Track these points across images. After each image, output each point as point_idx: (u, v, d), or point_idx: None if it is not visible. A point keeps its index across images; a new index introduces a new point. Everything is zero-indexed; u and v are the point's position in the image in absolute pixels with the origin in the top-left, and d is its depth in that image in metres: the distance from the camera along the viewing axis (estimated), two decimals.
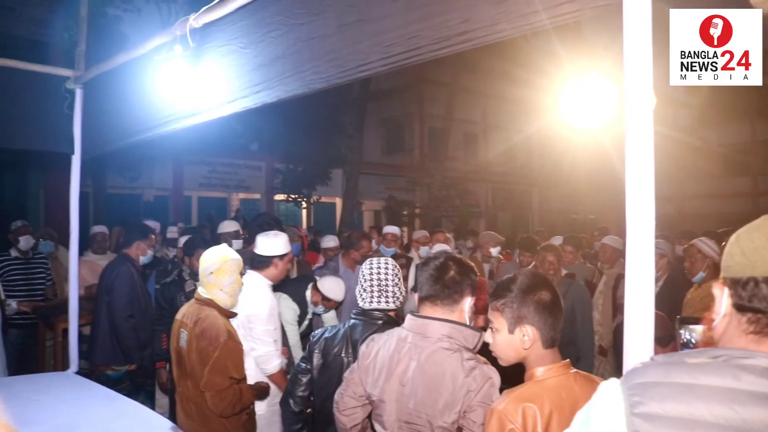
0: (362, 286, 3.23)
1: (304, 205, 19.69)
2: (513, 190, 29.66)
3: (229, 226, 6.74)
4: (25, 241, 7.05)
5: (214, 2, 2.93)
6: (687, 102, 39.57)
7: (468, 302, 2.55)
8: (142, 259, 5.73)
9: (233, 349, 3.47)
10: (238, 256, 3.70)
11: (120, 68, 3.98)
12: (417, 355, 2.47)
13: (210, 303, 3.56)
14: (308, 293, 5.08)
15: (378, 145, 26.28)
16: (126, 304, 5.38)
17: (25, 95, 4.49)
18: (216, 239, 6.32)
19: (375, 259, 3.29)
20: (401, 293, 3.25)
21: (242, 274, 3.75)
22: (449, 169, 23.08)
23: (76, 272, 4.68)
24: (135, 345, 5.39)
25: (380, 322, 3.15)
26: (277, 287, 4.51)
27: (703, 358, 1.27)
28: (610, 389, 1.35)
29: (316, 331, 3.39)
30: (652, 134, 1.57)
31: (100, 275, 5.69)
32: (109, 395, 3.87)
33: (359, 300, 3.24)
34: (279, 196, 20.58)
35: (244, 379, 3.60)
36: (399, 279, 3.25)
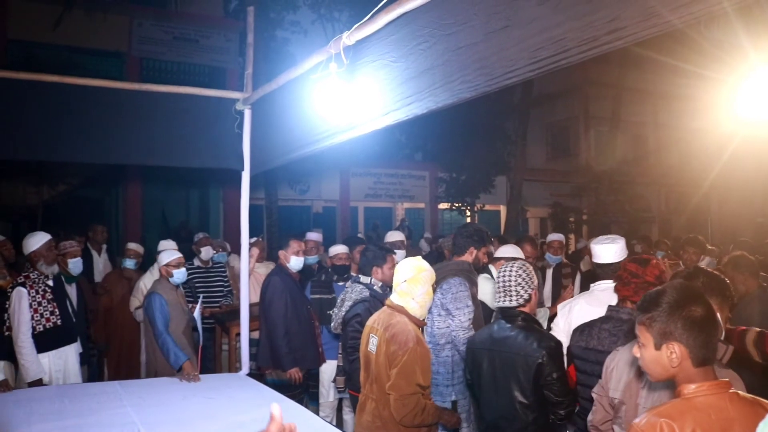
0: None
1: (468, 213, 19.67)
2: (687, 192, 27.88)
3: (394, 236, 6.89)
4: (205, 252, 7.63)
5: (366, 19, 3.02)
6: None
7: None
8: (291, 266, 5.88)
9: (421, 354, 3.56)
10: (431, 269, 3.81)
11: (282, 88, 4.20)
12: None
13: (401, 310, 3.69)
14: None
15: (542, 150, 25.78)
16: (275, 311, 5.60)
17: (199, 118, 4.88)
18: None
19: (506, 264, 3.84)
20: (526, 293, 3.68)
21: (434, 287, 3.86)
22: (617, 173, 22.13)
23: (247, 280, 4.98)
24: (286, 352, 5.55)
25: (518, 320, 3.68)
26: None
27: None
28: None
29: None
30: None
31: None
32: (275, 397, 4.08)
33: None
34: (443, 205, 20.74)
35: (428, 388, 3.67)
36: (523, 279, 3.70)
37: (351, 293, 4.97)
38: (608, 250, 4.08)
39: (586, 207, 22.31)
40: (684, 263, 7.39)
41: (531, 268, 3.85)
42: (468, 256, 4.87)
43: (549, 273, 7.40)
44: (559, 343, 3.60)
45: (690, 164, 28.51)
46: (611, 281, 3.76)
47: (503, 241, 7.17)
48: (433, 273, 3.81)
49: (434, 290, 3.90)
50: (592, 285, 4.17)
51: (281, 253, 5.85)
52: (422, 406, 3.49)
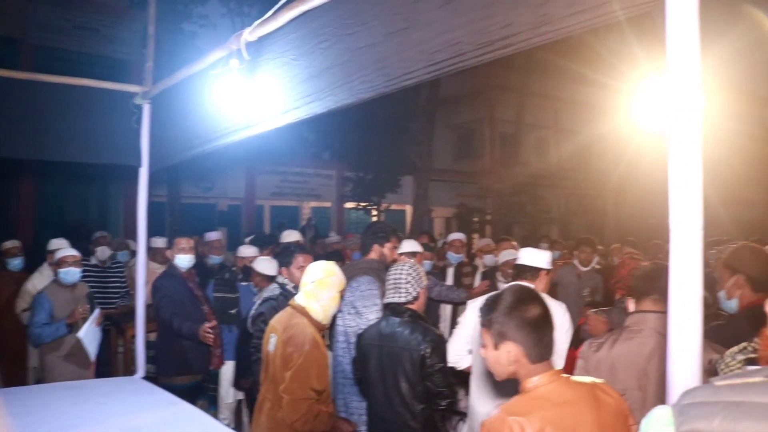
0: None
1: (374, 212, 19.78)
2: (586, 195, 29.04)
3: (291, 235, 6.85)
4: (101, 251, 7.34)
5: (268, 16, 2.97)
6: None
7: None
8: (178, 264, 5.75)
9: (318, 358, 3.52)
10: (342, 276, 3.81)
11: (183, 83, 4.09)
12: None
13: (303, 311, 3.64)
14: None
15: (448, 151, 26.21)
16: (162, 313, 5.50)
17: (96, 111, 4.68)
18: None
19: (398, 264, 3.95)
20: (415, 291, 3.77)
21: (342, 294, 3.84)
22: (520, 175, 22.78)
23: (144, 281, 4.82)
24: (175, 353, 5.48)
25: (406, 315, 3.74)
26: None
27: (759, 377, 1.26)
28: (660, 413, 1.36)
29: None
30: (701, 136, 1.50)
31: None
32: (171, 400, 3.97)
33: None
34: (349, 204, 20.78)
35: (326, 392, 3.65)
36: (413, 278, 3.79)
37: (265, 291, 4.99)
38: (539, 255, 4.16)
39: (490, 208, 22.85)
40: (580, 262, 7.69)
41: (422, 269, 4.02)
42: (373, 254, 4.89)
43: (450, 271, 7.52)
44: (442, 337, 3.72)
45: (589, 168, 29.72)
46: (529, 284, 3.80)
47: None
48: (344, 279, 3.81)
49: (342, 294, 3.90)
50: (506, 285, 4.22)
51: (168, 252, 5.74)
52: (315, 412, 3.46)
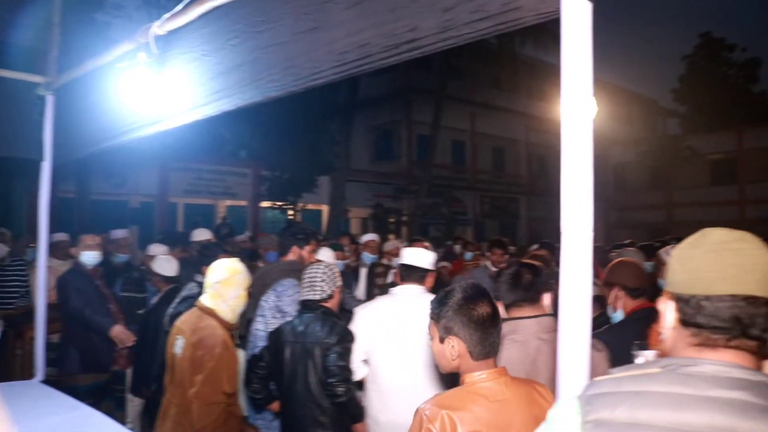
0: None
1: (291, 212, 19.66)
2: (500, 197, 29.76)
3: (201, 234, 6.74)
4: None
5: (178, 9, 2.92)
6: (676, 110, 40.05)
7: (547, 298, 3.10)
8: (83, 261, 5.61)
9: (229, 361, 3.48)
10: (246, 272, 3.76)
11: (90, 75, 3.96)
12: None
13: (211, 312, 3.57)
14: None
15: (366, 152, 26.34)
16: (67, 311, 5.36)
17: None
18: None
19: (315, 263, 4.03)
20: (330, 289, 3.85)
21: (249, 291, 3.80)
22: (437, 177, 23.11)
23: (45, 279, 4.64)
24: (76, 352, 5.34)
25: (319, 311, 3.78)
26: None
27: (655, 368, 1.34)
28: (566, 404, 1.41)
29: None
30: (591, 142, 1.56)
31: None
32: (72, 404, 3.83)
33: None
34: (265, 203, 20.56)
35: (236, 395, 3.59)
36: (328, 277, 3.87)
37: (185, 290, 4.90)
38: (424, 256, 4.04)
39: (406, 209, 23.08)
40: (492, 264, 7.86)
41: (337, 269, 4.05)
42: (292, 255, 4.87)
43: (363, 272, 7.57)
44: (351, 332, 3.75)
45: (504, 171, 30.47)
46: (417, 285, 3.87)
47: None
48: (248, 276, 3.78)
49: (250, 293, 3.86)
50: (395, 289, 4.04)
51: (72, 249, 5.57)
52: (224, 417, 3.42)
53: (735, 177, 31.77)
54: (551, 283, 2.83)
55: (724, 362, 1.30)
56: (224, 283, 3.60)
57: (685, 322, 1.36)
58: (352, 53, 2.20)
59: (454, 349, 2.20)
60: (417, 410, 2.13)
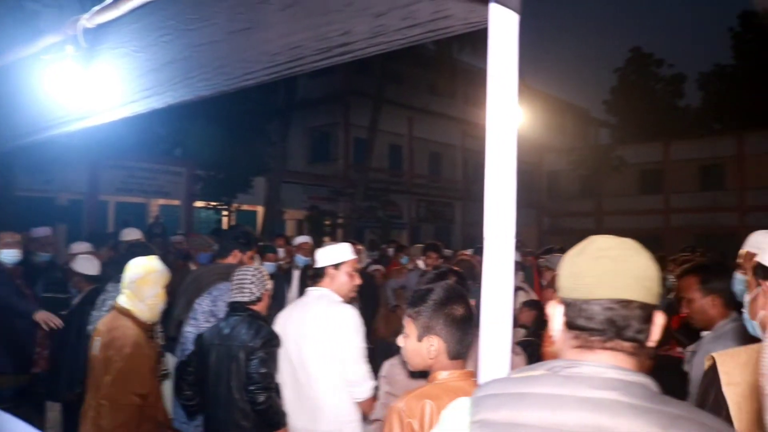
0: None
1: (225, 212, 19.39)
2: (436, 202, 30.02)
3: (131, 233, 6.60)
4: None
5: (108, 2, 2.85)
6: (608, 121, 41.21)
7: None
8: (2, 258, 5.44)
9: (140, 361, 3.40)
10: (163, 270, 3.68)
11: (12, 66, 3.82)
12: None
13: (127, 312, 3.50)
14: None
15: (302, 154, 26.21)
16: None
17: None
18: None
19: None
20: (259, 292, 3.82)
21: (168, 289, 3.72)
22: (373, 180, 23.17)
23: None
24: None
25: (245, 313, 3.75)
26: None
27: (540, 371, 1.41)
28: (459, 404, 1.46)
29: None
30: (515, 149, 1.60)
31: None
32: None
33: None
34: (199, 203, 20.23)
35: (149, 396, 3.51)
36: (258, 279, 3.84)
37: (112, 292, 4.72)
38: (334, 252, 3.95)
39: (342, 211, 23.05)
40: (427, 266, 7.93)
41: (266, 273, 4.03)
42: (232, 259, 4.81)
43: (296, 274, 7.52)
44: (277, 337, 3.72)
45: (439, 175, 30.75)
46: (324, 288, 3.82)
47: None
48: (165, 274, 3.71)
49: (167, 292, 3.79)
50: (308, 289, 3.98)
51: None
52: (137, 420, 3.35)
53: (661, 187, 32.98)
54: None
55: (601, 363, 1.36)
56: (140, 282, 3.54)
57: (569, 324, 1.42)
58: (285, 55, 2.20)
59: (433, 348, 2.22)
60: (390, 410, 2.15)
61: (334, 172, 25.13)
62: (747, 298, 2.09)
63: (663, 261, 10.94)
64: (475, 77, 27.11)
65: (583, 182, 32.10)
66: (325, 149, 26.81)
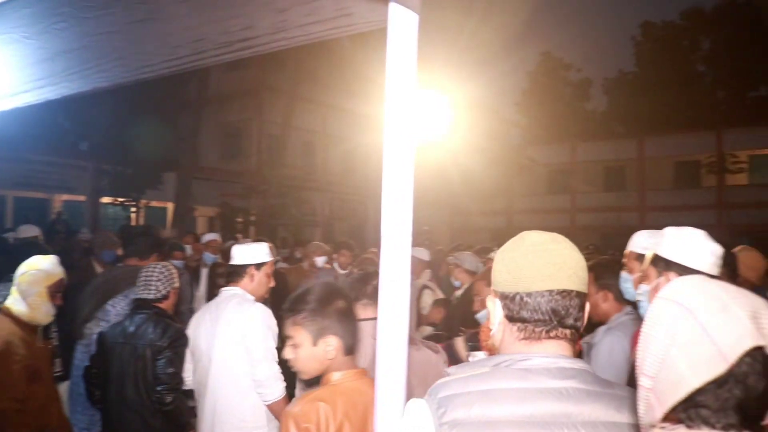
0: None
1: (133, 209, 18.83)
2: (350, 200, 30.03)
3: (28, 230, 6.31)
4: None
5: None
6: (518, 121, 42.26)
7: None
8: None
9: (10, 364, 3.22)
10: (47, 269, 3.53)
11: None
12: None
13: (8, 312, 3.37)
14: None
15: (214, 149, 25.72)
16: None
17: None
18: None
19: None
20: (165, 289, 3.77)
21: (62, 289, 3.59)
22: (286, 178, 22.97)
23: None
24: None
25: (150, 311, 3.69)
26: None
27: (490, 366, 1.46)
28: (416, 407, 1.46)
29: None
30: (413, 151, 1.60)
31: None
32: None
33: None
34: (106, 199, 19.55)
35: (28, 401, 3.34)
36: (165, 277, 3.79)
37: (3, 291, 4.51)
38: (250, 251, 3.85)
39: (255, 209, 22.76)
40: (339, 265, 7.89)
41: (174, 271, 3.95)
42: (152, 261, 4.68)
43: (204, 272, 7.37)
44: (184, 336, 3.65)
45: (353, 173, 30.77)
46: (238, 287, 3.74)
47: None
48: (51, 273, 3.54)
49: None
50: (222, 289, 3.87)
51: None
52: (15, 426, 3.19)
53: (568, 187, 34.14)
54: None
55: (549, 354, 1.44)
56: (22, 281, 3.42)
57: (511, 318, 1.48)
58: (186, 48, 2.13)
59: (330, 348, 2.18)
60: (285, 415, 2.10)
61: (246, 168, 24.76)
62: (645, 289, 2.21)
63: None
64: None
65: (494, 181, 32.78)
66: (238, 145, 26.40)
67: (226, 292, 3.76)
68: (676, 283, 1.22)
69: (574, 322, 1.47)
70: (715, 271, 2.13)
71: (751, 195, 29.97)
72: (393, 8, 1.52)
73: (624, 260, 3.13)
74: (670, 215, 30.76)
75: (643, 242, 3.12)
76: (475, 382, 1.42)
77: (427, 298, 6.24)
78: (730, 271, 3.90)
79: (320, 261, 8.07)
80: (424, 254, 6.89)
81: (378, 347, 1.57)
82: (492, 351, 1.56)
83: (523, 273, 1.46)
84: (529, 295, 1.45)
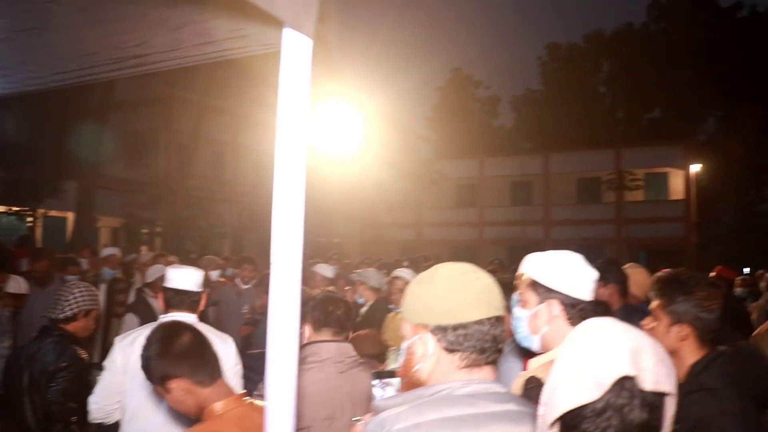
0: None
1: (30, 219, 17.96)
2: (260, 211, 29.63)
3: None
4: None
5: None
6: (428, 136, 42.90)
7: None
8: None
9: None
10: None
11: None
12: None
13: None
14: None
15: (119, 158, 24.89)
16: None
17: None
18: None
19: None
20: (71, 311, 3.53)
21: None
22: (195, 188, 22.48)
23: None
24: None
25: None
26: None
27: (428, 396, 1.48)
28: None
29: None
30: (305, 173, 1.59)
31: None
32: None
33: None
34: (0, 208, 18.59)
35: None
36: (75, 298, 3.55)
37: None
38: (192, 276, 3.57)
39: (162, 220, 22.13)
40: (242, 280, 7.77)
41: (94, 293, 3.77)
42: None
43: (102, 287, 7.11)
44: (81, 361, 3.49)
45: (263, 184, 30.41)
46: (189, 313, 3.46)
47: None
48: None
49: None
50: (162, 316, 3.56)
51: None
52: None
53: (476, 201, 34.94)
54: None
55: (486, 379, 1.51)
56: None
57: (451, 349, 1.51)
58: (76, 62, 2.05)
59: (181, 389, 2.10)
60: None
61: (153, 178, 24.07)
62: (524, 314, 2.24)
63: None
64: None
65: (405, 194, 33.11)
66: (144, 154, 25.64)
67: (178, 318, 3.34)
68: (584, 327, 1.30)
69: (502, 346, 1.55)
70: (592, 296, 2.19)
71: (646, 210, 31.57)
72: (287, 33, 1.51)
73: (515, 281, 3.15)
74: (573, 229, 32.06)
75: (533, 263, 3.21)
76: (428, 410, 1.43)
77: None
78: (621, 289, 4.09)
79: (215, 275, 7.91)
80: (328, 271, 6.86)
81: (267, 367, 1.52)
82: (417, 385, 1.56)
83: (459, 304, 1.50)
84: (468, 325, 1.49)
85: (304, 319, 3.00)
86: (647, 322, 2.45)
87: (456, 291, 1.52)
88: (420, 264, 9.91)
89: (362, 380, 2.96)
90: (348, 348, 3.11)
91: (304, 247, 1.55)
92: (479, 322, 1.50)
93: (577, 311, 2.13)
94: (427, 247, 31.44)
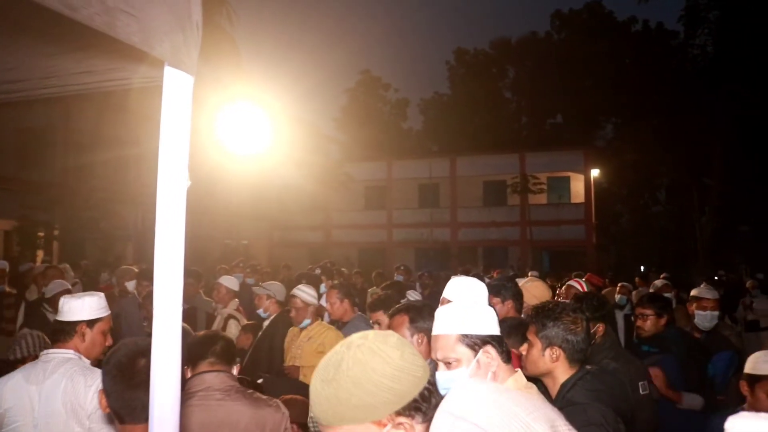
0: None
1: None
2: None
3: None
4: None
5: None
6: (336, 137, 42.89)
7: None
8: None
9: None
10: None
11: None
12: None
13: None
14: None
15: (11, 157, 23.66)
16: None
17: None
18: None
19: None
20: None
21: None
22: (96, 189, 21.63)
23: None
24: None
25: None
26: None
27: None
28: None
29: None
30: (184, 208, 1.56)
31: None
32: None
33: None
34: None
35: None
36: None
37: None
38: (86, 301, 3.25)
39: (59, 222, 21.19)
40: (139, 294, 7.50)
41: None
42: None
43: None
44: None
45: None
46: (70, 350, 3.16)
47: None
48: None
49: None
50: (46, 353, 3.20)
51: None
52: None
53: (385, 203, 35.20)
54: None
55: None
56: None
57: (425, 419, 1.39)
58: None
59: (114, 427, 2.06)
60: None
61: (50, 178, 23.03)
62: (462, 372, 2.26)
63: (380, 277, 11.61)
64: (202, 92, 26.60)
65: (313, 196, 33.04)
66: (40, 153, 24.46)
67: (57, 356, 3.11)
68: (463, 397, 1.22)
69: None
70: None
71: (549, 213, 32.64)
72: (168, 71, 1.47)
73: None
74: (479, 231, 32.80)
75: (454, 289, 3.35)
76: None
77: (233, 329, 6.09)
78: (517, 305, 4.23)
79: (131, 285, 7.64)
80: (233, 283, 6.73)
81: (152, 372, 1.45)
82: None
83: (410, 376, 1.39)
84: (428, 393, 1.41)
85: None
86: (524, 348, 2.72)
87: (402, 361, 1.40)
88: (330, 270, 9.90)
89: (238, 410, 2.92)
90: (226, 378, 3.02)
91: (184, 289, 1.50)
92: (430, 382, 1.44)
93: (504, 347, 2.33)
94: (336, 249, 31.55)
